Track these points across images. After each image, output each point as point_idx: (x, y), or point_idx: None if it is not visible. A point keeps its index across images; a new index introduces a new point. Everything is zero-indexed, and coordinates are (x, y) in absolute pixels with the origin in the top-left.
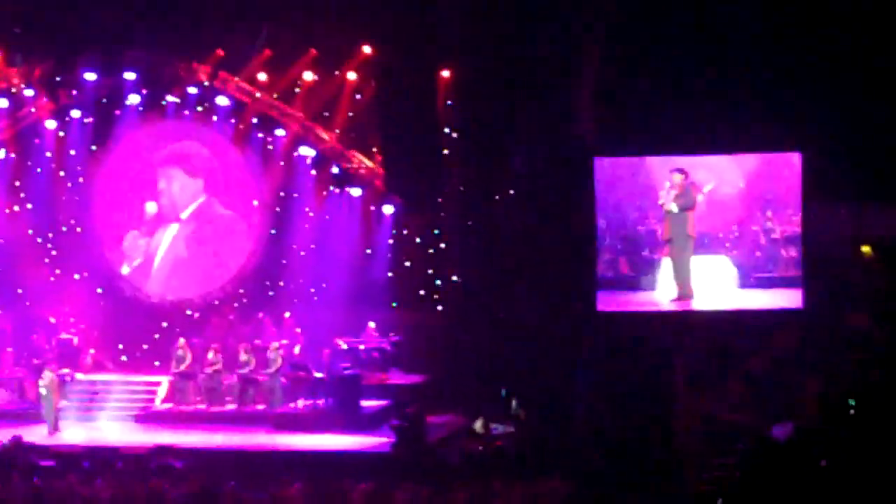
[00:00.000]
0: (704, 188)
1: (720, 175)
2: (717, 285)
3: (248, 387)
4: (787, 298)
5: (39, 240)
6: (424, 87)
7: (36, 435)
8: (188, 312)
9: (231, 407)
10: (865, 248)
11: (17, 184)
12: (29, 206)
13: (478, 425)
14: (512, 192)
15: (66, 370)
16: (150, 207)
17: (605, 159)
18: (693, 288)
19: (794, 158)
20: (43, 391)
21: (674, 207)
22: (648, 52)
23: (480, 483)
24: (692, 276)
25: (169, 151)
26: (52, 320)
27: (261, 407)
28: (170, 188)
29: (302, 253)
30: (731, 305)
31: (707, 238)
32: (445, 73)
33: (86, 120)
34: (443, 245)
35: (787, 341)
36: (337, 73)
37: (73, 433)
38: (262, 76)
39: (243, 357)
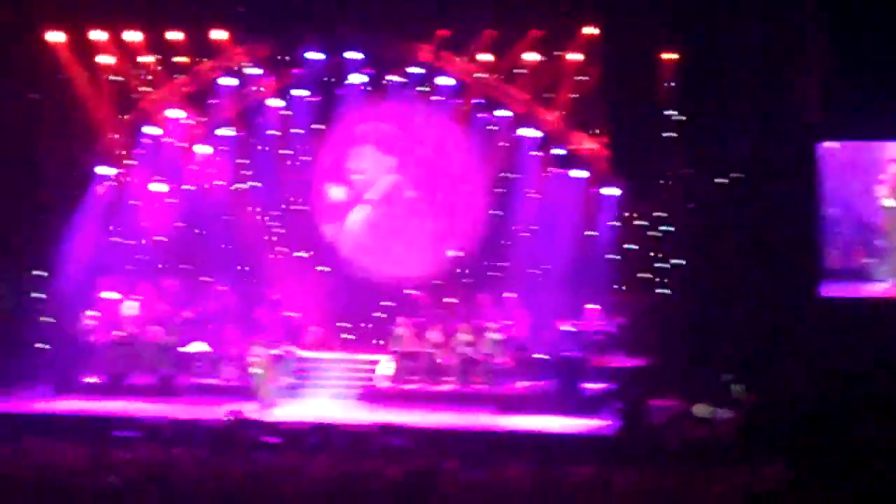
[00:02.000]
0: None
1: None
2: None
3: (468, 367)
4: None
5: (265, 218)
6: (648, 69)
7: (259, 411)
8: (410, 292)
9: (452, 387)
10: None
11: (243, 161)
12: (254, 183)
13: (699, 409)
14: (736, 175)
15: (289, 347)
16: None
17: (837, 145)
18: None
19: None
20: (256, 369)
21: (891, 202)
22: (879, 30)
23: (700, 468)
24: None
25: (375, 129)
26: (276, 297)
27: (482, 387)
28: (372, 165)
29: (524, 234)
30: None
31: None
32: (669, 55)
33: (310, 99)
34: (666, 228)
35: None
36: (560, 53)
37: (296, 410)
38: (485, 57)
39: (464, 337)
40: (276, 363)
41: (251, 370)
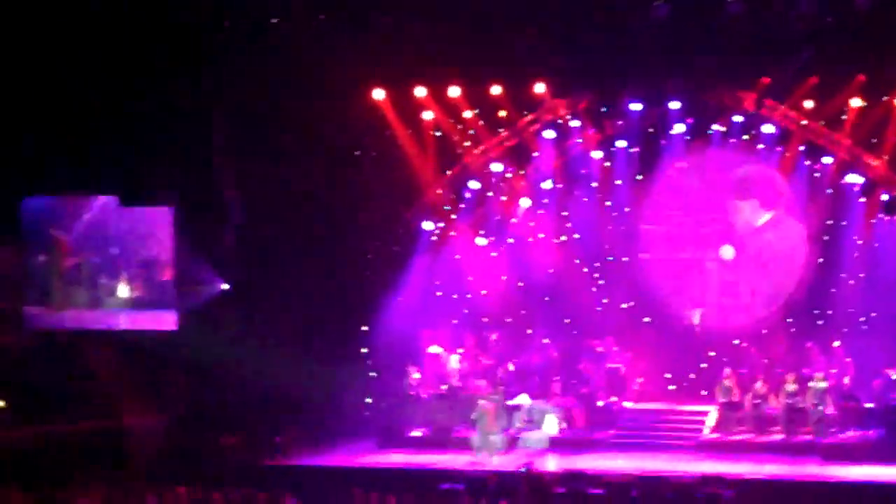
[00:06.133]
0: None
1: None
2: None
3: (795, 417)
4: None
5: (586, 269)
6: None
7: (584, 463)
8: (735, 342)
9: (778, 437)
10: None
11: (565, 213)
12: (576, 235)
13: None
14: None
15: (613, 399)
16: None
17: None
18: None
19: None
20: (478, 418)
21: None
22: None
23: None
24: None
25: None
26: (600, 349)
27: (809, 437)
28: (743, 216)
29: (851, 282)
30: None
31: None
32: None
33: (631, 150)
34: None
35: None
36: (885, 98)
37: (622, 462)
38: (808, 103)
39: (791, 387)
40: (498, 412)
41: (473, 418)
